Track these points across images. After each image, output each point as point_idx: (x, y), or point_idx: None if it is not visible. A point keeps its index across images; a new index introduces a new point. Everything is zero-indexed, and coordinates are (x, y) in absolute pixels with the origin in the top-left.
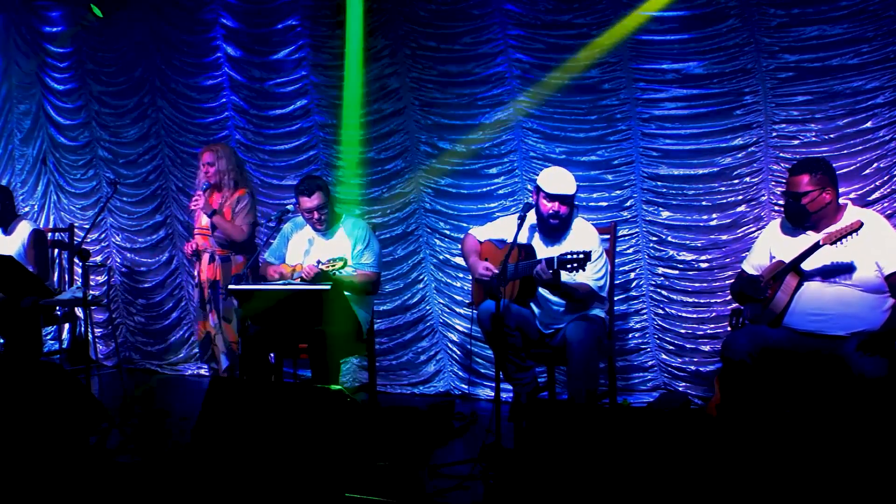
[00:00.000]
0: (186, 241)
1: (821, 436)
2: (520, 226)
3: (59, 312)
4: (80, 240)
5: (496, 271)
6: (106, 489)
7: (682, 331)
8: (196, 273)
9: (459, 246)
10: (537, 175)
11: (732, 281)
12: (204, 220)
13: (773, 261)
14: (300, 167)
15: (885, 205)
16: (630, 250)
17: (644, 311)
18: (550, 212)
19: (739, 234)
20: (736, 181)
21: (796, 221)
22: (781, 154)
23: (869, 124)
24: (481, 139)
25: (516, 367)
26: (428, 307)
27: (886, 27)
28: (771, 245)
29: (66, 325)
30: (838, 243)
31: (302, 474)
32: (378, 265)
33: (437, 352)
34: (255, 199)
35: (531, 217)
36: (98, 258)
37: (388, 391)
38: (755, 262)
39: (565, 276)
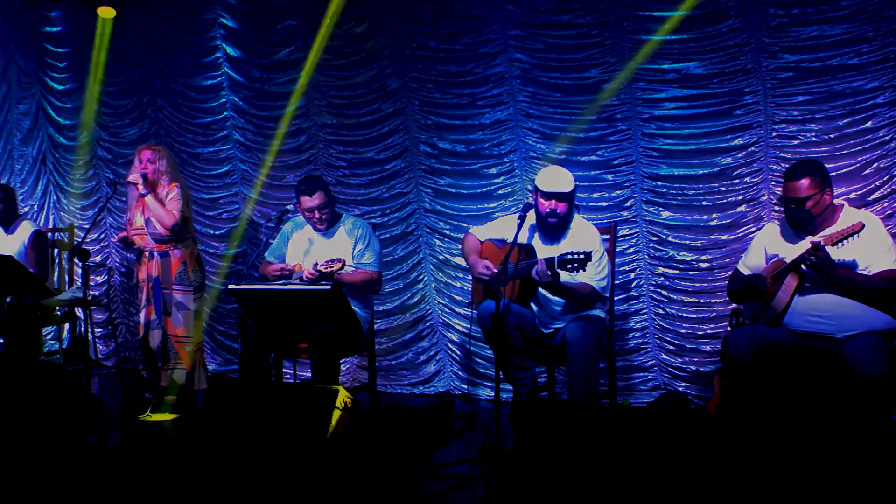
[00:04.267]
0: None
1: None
2: (520, 225)
3: (59, 312)
4: (80, 240)
5: (496, 270)
6: (106, 489)
7: (683, 331)
8: (135, 274)
9: (459, 246)
10: (537, 175)
11: (728, 282)
12: (139, 221)
13: (773, 260)
14: (300, 167)
15: (886, 205)
16: (630, 250)
17: (644, 311)
18: (548, 210)
19: (739, 234)
20: (736, 181)
21: (800, 226)
22: (781, 154)
23: (869, 124)
24: (481, 139)
25: (516, 366)
26: (428, 307)
27: (886, 27)
28: (767, 247)
29: (66, 325)
30: (839, 244)
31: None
32: (379, 264)
33: (437, 352)
34: (187, 192)
35: (531, 217)
36: (98, 258)
37: (388, 391)
38: (750, 263)
39: (566, 277)
